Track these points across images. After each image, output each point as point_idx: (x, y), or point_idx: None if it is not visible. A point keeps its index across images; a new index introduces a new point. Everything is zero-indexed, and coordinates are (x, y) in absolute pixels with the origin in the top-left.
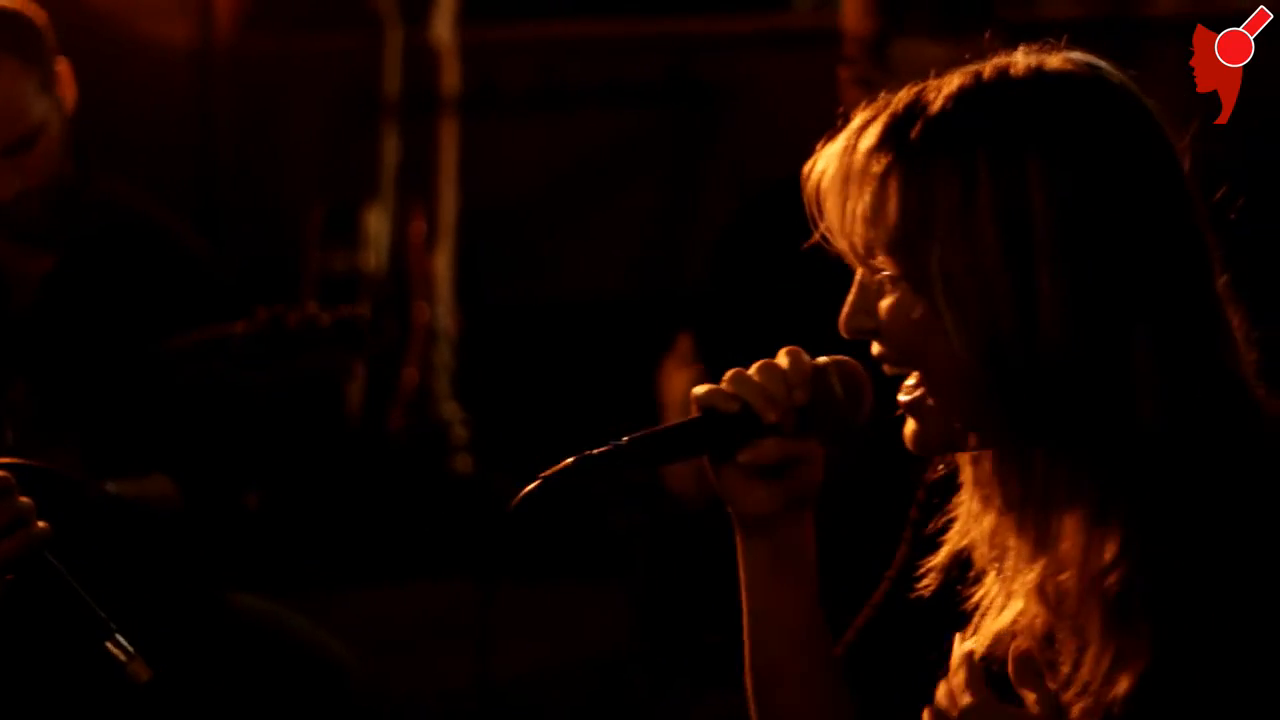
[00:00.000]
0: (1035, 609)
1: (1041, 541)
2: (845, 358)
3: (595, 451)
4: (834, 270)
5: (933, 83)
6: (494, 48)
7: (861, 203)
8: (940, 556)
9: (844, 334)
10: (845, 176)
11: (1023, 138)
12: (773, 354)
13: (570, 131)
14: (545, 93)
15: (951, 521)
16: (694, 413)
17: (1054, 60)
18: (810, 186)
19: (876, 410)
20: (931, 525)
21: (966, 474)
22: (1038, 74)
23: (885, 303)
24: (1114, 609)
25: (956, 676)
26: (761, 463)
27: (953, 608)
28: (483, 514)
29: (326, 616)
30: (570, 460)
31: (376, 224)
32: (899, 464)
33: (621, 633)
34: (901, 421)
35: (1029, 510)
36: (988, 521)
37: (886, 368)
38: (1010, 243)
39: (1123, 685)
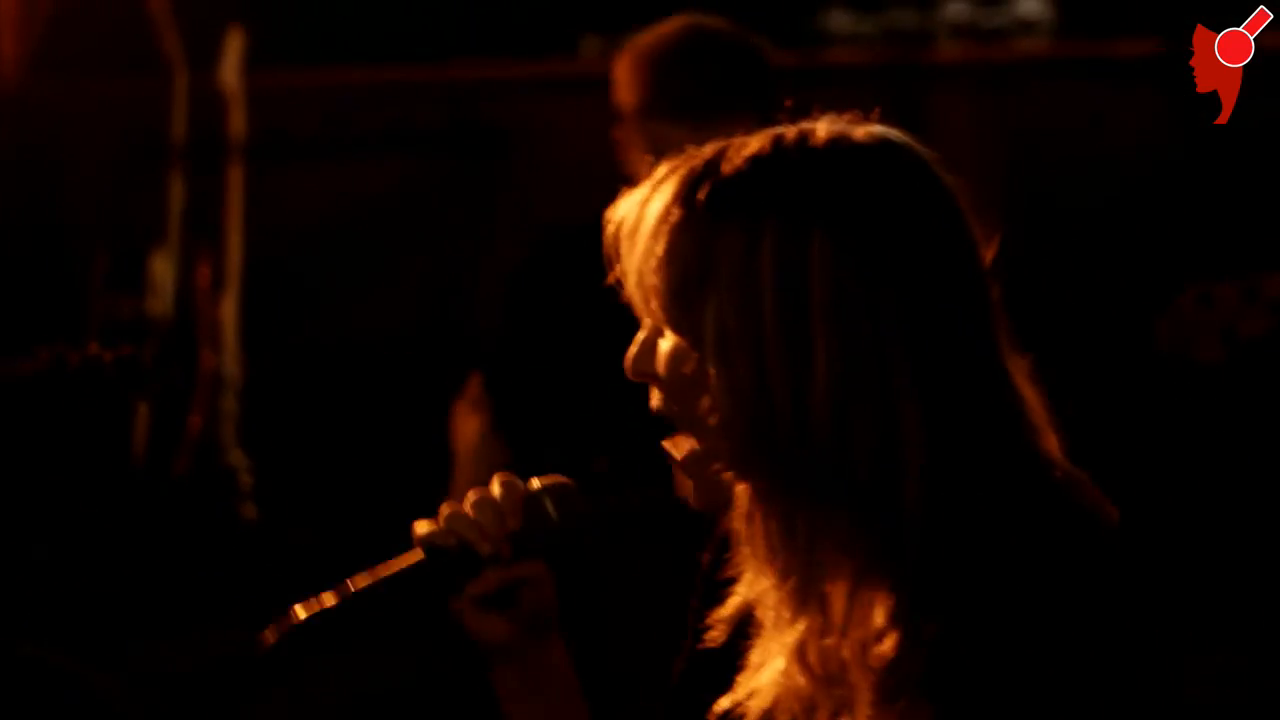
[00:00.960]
0: (796, 672)
1: (803, 600)
2: (559, 478)
3: (325, 606)
4: (625, 316)
5: (736, 141)
6: (281, 93)
7: (651, 253)
8: (728, 609)
9: (629, 376)
10: (638, 226)
11: (811, 210)
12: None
13: (359, 177)
14: (333, 138)
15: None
16: (417, 554)
17: (856, 134)
18: (610, 231)
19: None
20: (722, 576)
21: (738, 527)
22: (835, 146)
23: (662, 351)
24: (886, 681)
25: None
26: (487, 593)
27: (735, 665)
28: (269, 562)
29: (112, 665)
30: (299, 618)
31: (162, 270)
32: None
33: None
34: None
35: (791, 567)
36: (761, 577)
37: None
38: (786, 310)
39: None
